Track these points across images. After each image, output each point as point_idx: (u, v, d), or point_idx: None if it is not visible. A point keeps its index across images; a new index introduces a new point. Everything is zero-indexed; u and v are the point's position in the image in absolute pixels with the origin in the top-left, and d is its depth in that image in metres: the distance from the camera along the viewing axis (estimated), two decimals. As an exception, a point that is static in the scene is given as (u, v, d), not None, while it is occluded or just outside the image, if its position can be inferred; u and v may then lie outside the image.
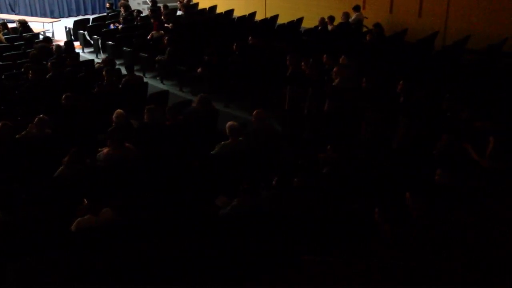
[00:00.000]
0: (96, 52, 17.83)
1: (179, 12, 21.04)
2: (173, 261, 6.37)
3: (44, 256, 6.43)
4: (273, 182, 7.44)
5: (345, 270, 4.43)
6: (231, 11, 21.22)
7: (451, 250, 4.66)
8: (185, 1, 21.69)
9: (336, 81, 11.32)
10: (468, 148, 8.11)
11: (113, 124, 9.40)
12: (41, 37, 17.89)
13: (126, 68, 13.03)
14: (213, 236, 6.68)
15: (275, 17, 19.87)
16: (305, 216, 7.02)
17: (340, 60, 12.06)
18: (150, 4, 22.31)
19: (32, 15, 23.67)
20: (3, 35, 16.58)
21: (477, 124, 8.76)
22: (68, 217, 6.94)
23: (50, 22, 21.31)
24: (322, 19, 16.79)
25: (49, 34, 19.73)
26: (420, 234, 5.12)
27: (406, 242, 4.85)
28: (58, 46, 14.31)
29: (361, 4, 17.98)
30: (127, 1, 22.61)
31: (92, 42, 18.35)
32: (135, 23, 19.08)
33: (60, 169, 8.00)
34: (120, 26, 18.61)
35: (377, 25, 15.46)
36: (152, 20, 18.52)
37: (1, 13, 23.36)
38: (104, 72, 12.20)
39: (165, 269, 6.23)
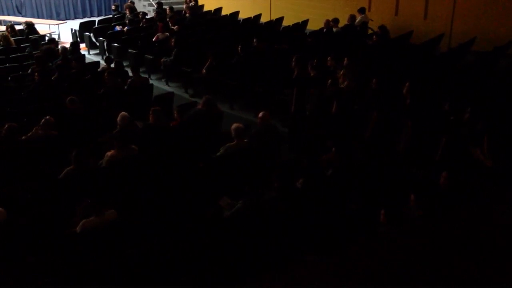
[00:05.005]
0: (102, 54, 17.90)
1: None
2: (177, 261, 6.40)
3: (48, 256, 6.48)
4: (275, 184, 7.45)
5: (346, 270, 4.45)
6: (236, 13, 21.26)
7: (452, 250, 4.68)
8: (191, 3, 21.75)
9: (345, 83, 11.35)
10: (476, 152, 8.12)
11: (118, 126, 9.44)
12: (46, 39, 17.94)
13: (132, 70, 13.06)
14: (217, 237, 6.71)
15: (280, 19, 19.91)
16: (308, 217, 7.05)
17: (344, 62, 12.06)
18: (155, 6, 22.40)
19: (38, 17, 23.80)
20: (11, 37, 16.64)
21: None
22: (73, 217, 6.99)
23: (56, 24, 21.42)
24: (327, 21, 16.81)
25: (55, 36, 19.81)
26: (421, 234, 5.14)
27: (407, 242, 4.87)
28: (63, 48, 14.37)
29: (366, 6, 17.98)
30: (133, 3, 22.68)
31: (98, 44, 18.43)
32: (141, 25, 19.14)
33: (65, 170, 8.03)
34: (125, 28, 18.67)
35: (383, 27, 15.45)
36: (157, 22, 18.57)
37: (8, 15, 23.48)
38: (105, 74, 12.25)
39: (169, 269, 6.26)
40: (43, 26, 20.89)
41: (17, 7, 24.32)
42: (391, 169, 8.41)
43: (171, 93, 12.71)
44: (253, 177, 8.43)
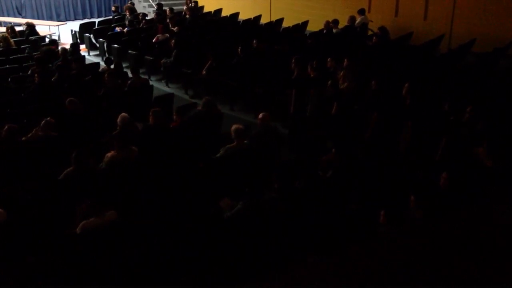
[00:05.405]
0: (102, 55, 17.91)
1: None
2: (177, 261, 6.41)
3: (48, 256, 6.48)
4: (275, 184, 7.45)
5: (346, 270, 4.45)
6: (236, 14, 21.27)
7: (452, 250, 4.68)
8: (190, 5, 21.77)
9: (345, 84, 11.36)
10: (479, 152, 8.12)
11: (118, 127, 9.45)
12: (47, 40, 17.96)
13: (131, 71, 13.07)
14: (217, 237, 6.71)
15: (280, 20, 19.92)
16: (308, 218, 7.06)
17: (344, 63, 12.07)
18: (155, 7, 22.41)
19: (38, 18, 23.83)
20: (11, 39, 16.64)
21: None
22: (73, 218, 6.99)
23: (56, 25, 21.42)
24: (327, 23, 16.82)
25: (55, 37, 19.82)
26: (421, 234, 5.15)
27: (407, 242, 4.87)
28: (63, 49, 14.38)
29: (366, 7, 17.98)
30: (133, 4, 22.69)
31: (98, 45, 18.44)
32: (141, 26, 19.14)
33: (65, 171, 8.03)
34: (125, 29, 18.67)
35: (382, 28, 15.45)
36: (157, 23, 18.58)
37: (8, 16, 23.49)
38: (106, 75, 12.26)
39: (169, 269, 6.26)
40: (43, 27, 20.91)
41: (17, 8, 24.34)
42: (391, 169, 8.41)
43: (171, 94, 12.72)
44: (253, 178, 8.44)
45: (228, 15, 21.33)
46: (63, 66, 12.99)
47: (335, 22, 16.87)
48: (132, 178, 8.35)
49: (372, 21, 17.27)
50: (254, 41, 15.22)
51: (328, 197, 7.71)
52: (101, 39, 18.09)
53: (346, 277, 4.33)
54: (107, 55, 17.05)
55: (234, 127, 9.06)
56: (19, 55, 15.27)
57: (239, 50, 14.72)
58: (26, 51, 15.64)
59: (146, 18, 20.02)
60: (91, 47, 18.96)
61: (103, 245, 6.69)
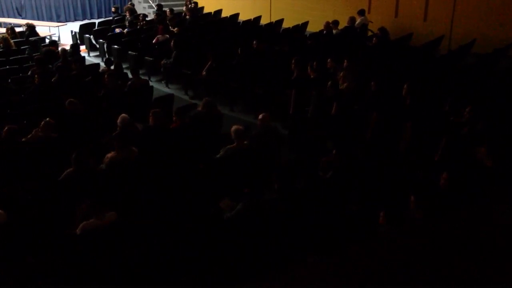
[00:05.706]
0: (102, 56, 17.90)
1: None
2: (177, 261, 6.41)
3: (48, 256, 6.48)
4: (275, 185, 7.45)
5: (346, 270, 4.45)
6: (236, 15, 21.28)
7: (452, 250, 4.68)
8: (191, 6, 21.77)
9: (344, 85, 11.36)
10: (480, 151, 8.12)
11: (118, 128, 9.45)
12: (47, 41, 17.96)
13: (131, 72, 13.07)
14: (217, 238, 6.71)
15: (280, 21, 19.92)
16: (308, 218, 7.06)
17: (344, 64, 12.07)
18: (155, 8, 22.41)
19: (38, 19, 23.81)
20: (11, 39, 16.63)
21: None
22: (73, 218, 6.99)
23: (56, 26, 21.41)
24: (327, 23, 16.83)
25: (55, 38, 19.82)
26: (421, 234, 5.15)
27: (407, 242, 4.87)
28: (63, 50, 14.39)
29: (366, 8, 17.98)
30: (133, 5, 22.68)
31: (98, 46, 18.44)
32: (140, 26, 19.13)
33: (66, 171, 8.03)
34: (125, 30, 18.66)
35: (382, 29, 15.46)
36: (157, 24, 18.57)
37: (8, 17, 23.48)
38: (106, 76, 12.26)
39: (169, 269, 6.26)
40: (43, 28, 20.90)
41: (17, 9, 24.34)
42: (391, 169, 8.41)
43: (171, 95, 12.72)
44: (253, 178, 8.44)
45: (228, 16, 21.33)
46: (63, 67, 12.99)
47: (335, 23, 16.87)
48: (132, 179, 8.35)
49: (372, 22, 17.28)
50: (254, 42, 15.21)
51: (328, 197, 7.72)
52: (101, 40, 18.09)
53: (346, 277, 4.33)
54: (107, 56, 17.04)
55: (234, 127, 9.06)
56: (19, 56, 15.28)
57: (239, 50, 14.72)
58: (26, 52, 15.64)
59: (146, 19, 20.01)
60: (91, 48, 18.96)
61: (103, 246, 6.69)
